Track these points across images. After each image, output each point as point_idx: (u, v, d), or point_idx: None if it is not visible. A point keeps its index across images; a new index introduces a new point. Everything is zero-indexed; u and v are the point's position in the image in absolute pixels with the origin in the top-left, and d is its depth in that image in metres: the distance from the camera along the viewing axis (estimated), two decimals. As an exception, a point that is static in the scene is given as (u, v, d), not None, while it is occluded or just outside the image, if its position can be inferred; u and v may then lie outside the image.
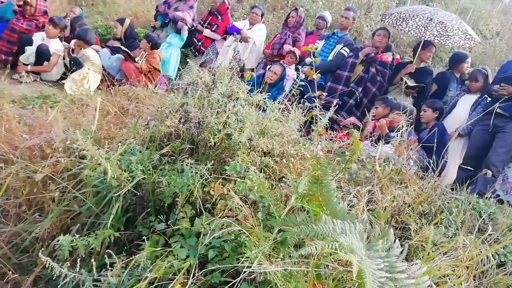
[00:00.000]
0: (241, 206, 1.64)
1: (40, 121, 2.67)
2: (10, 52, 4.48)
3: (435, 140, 2.91)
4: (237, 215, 1.68)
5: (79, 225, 1.87)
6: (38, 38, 4.54)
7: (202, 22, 5.49)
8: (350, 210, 1.85)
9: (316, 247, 1.27)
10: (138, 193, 1.93)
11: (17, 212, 2.02)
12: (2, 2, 5.03)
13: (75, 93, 3.76)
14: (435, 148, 2.88)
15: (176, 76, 5.20)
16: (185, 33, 5.28)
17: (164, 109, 2.35)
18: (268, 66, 4.52)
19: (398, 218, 2.20)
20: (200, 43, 5.39)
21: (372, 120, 3.65)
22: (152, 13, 6.46)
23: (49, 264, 1.37)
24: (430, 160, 2.65)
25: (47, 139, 2.13)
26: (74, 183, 1.99)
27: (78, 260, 1.53)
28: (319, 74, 2.08)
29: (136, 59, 4.62)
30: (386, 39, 4.49)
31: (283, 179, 1.96)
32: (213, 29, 5.37)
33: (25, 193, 2.08)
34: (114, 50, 4.80)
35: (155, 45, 4.79)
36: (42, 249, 1.69)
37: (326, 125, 2.20)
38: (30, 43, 4.47)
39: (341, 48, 4.62)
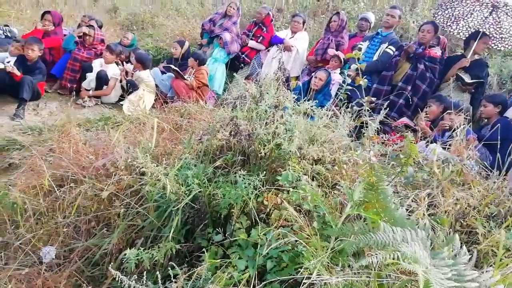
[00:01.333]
0: (295, 216, 1.65)
1: (103, 141, 2.88)
2: (74, 80, 4.88)
3: (499, 137, 2.71)
4: (292, 225, 1.68)
5: (143, 238, 1.98)
6: (97, 64, 4.91)
7: (247, 33, 5.61)
8: (409, 216, 1.77)
9: (377, 257, 1.24)
10: (196, 206, 2.01)
11: (87, 228, 2.18)
12: (65, 35, 5.51)
13: (133, 113, 4.00)
14: (499, 146, 2.69)
15: (224, 90, 5.35)
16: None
17: (215, 124, 2.44)
18: (313, 73, 4.49)
19: (462, 222, 2.07)
20: (244, 55, 5.51)
21: (426, 119, 3.48)
22: (198, 31, 6.72)
23: (119, 277, 1.46)
24: (495, 158, 2.47)
25: (111, 159, 2.28)
26: (136, 198, 2.11)
27: (144, 272, 1.62)
28: (366, 80, 2.04)
29: (185, 76, 4.82)
30: (432, 34, 4.27)
31: (336, 186, 1.93)
32: (258, 40, 5.47)
33: (93, 210, 2.24)
34: (165, 69, 5.06)
35: (201, 62, 4.97)
36: (112, 263, 1.81)
37: (377, 128, 2.14)
38: (90, 70, 4.85)
39: (386, 47, 4.49)
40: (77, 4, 8.58)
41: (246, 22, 7.39)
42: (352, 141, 2.37)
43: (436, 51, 4.21)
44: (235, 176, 2.02)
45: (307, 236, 1.61)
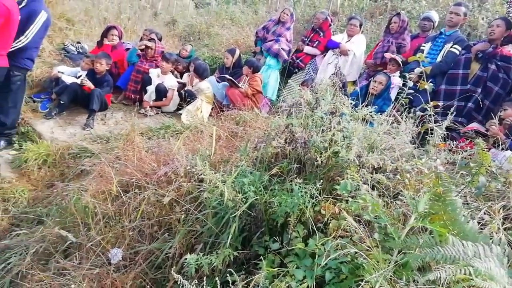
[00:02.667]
0: (355, 226, 1.59)
1: (164, 149, 3.01)
2: (137, 91, 5.19)
3: None
4: (351, 236, 1.63)
5: (202, 244, 2.03)
6: (154, 74, 5.17)
7: (304, 39, 5.59)
8: (481, 230, 1.64)
9: (446, 272, 1.16)
10: (252, 213, 2.02)
11: (151, 232, 2.29)
12: (128, 49, 5.89)
13: (191, 122, 4.15)
14: None
15: (278, 96, 5.37)
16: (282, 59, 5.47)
17: (270, 131, 2.44)
18: (372, 77, 4.35)
19: (545, 237, 1.87)
20: (299, 60, 5.48)
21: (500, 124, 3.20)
22: (252, 39, 6.83)
23: (180, 281, 1.51)
24: None
25: (173, 167, 2.38)
26: (195, 205, 2.18)
27: (204, 277, 1.66)
28: (431, 84, 1.92)
29: (240, 84, 4.91)
30: (502, 29, 3.91)
31: (399, 196, 1.84)
32: (314, 45, 5.42)
33: (155, 215, 2.35)
34: (220, 78, 5.21)
35: (256, 69, 5.04)
36: (173, 267, 1.88)
37: (444, 134, 2.00)
38: (150, 82, 5.12)
39: (451, 47, 4.21)
40: (139, 19, 9.12)
41: (300, 27, 7.37)
42: (415, 148, 2.25)
43: (510, 49, 3.86)
44: (291, 184, 2.01)
45: (368, 248, 1.55)
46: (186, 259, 1.81)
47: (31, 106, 4.62)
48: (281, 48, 5.42)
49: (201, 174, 2.07)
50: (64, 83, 4.64)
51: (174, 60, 5.25)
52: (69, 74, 4.92)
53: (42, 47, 5.20)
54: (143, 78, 5.13)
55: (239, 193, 2.00)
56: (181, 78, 5.56)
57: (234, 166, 2.34)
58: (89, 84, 4.54)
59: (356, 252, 1.49)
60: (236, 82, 4.81)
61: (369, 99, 3.60)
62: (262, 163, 2.32)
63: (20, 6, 3.64)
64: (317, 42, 5.40)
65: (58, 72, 4.87)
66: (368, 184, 1.87)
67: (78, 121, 4.50)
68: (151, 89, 5.00)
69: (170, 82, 5.05)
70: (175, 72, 5.59)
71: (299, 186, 1.91)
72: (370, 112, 2.28)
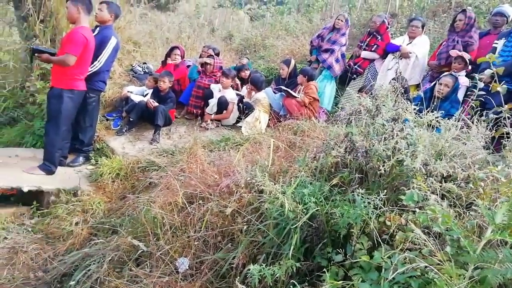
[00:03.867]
0: (424, 239, 1.51)
1: (225, 161, 3.11)
2: (198, 106, 5.43)
3: None
4: (420, 249, 1.55)
5: (264, 254, 2.05)
6: (215, 89, 5.37)
7: (361, 44, 5.47)
8: None
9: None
10: (313, 224, 2.00)
11: (215, 242, 2.36)
12: (189, 66, 6.19)
13: (250, 134, 4.24)
14: None
15: (336, 104, 5.27)
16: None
17: (329, 141, 2.42)
18: (436, 79, 4.11)
19: None
20: (357, 66, 5.35)
21: None
22: (307, 48, 6.82)
23: (245, 291, 1.54)
24: None
25: (234, 179, 2.45)
26: (256, 216, 2.22)
27: (267, 288, 1.68)
28: (505, 86, 1.77)
29: (295, 94, 4.90)
30: None
31: (472, 206, 1.71)
32: (372, 49, 5.28)
33: (219, 226, 2.42)
34: (276, 89, 5.25)
35: (310, 77, 5.01)
36: (237, 277, 1.92)
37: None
38: (211, 95, 5.33)
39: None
40: (198, 36, 9.55)
41: (357, 32, 7.20)
42: (489, 154, 2.08)
43: None
44: (353, 195, 1.96)
45: (439, 262, 1.46)
46: (249, 269, 1.84)
47: (104, 124, 5.03)
48: (335, 60, 5.34)
49: (261, 185, 2.11)
50: (133, 101, 5.00)
51: (233, 76, 5.42)
52: (137, 93, 5.30)
53: (113, 69, 5.66)
54: (204, 93, 5.35)
55: (299, 204, 2.00)
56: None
57: (294, 176, 2.35)
58: (154, 104, 4.83)
59: (426, 267, 1.41)
60: (292, 93, 4.82)
61: (435, 103, 3.39)
62: (321, 173, 2.30)
63: (94, 34, 4.02)
64: (375, 46, 5.23)
65: (127, 92, 5.26)
66: (437, 194, 1.77)
67: (146, 137, 4.81)
68: (212, 102, 5.20)
69: (231, 95, 5.21)
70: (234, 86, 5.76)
71: (362, 196, 1.86)
72: (436, 117, 2.16)
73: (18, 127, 5.20)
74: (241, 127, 4.96)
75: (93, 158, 4.32)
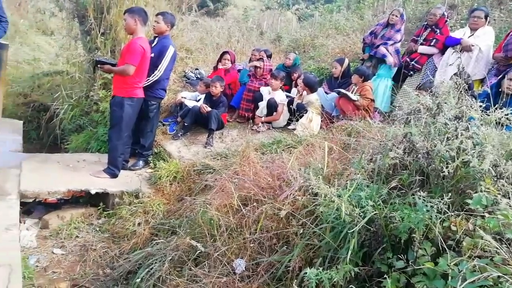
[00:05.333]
0: (495, 246, 1.41)
1: (277, 164, 3.12)
2: (249, 109, 5.51)
3: None
4: (492, 257, 1.44)
5: (320, 258, 2.03)
6: (265, 91, 5.41)
7: (416, 39, 5.20)
8: None
9: None
10: (372, 228, 1.95)
11: (270, 245, 2.38)
12: (239, 70, 6.31)
13: (303, 135, 4.21)
14: None
15: (391, 103, 5.07)
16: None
17: (386, 142, 2.33)
18: (503, 72, 3.80)
19: None
20: (414, 61, 5.08)
21: None
22: (359, 46, 6.63)
23: (303, 295, 1.54)
24: None
25: (287, 182, 2.45)
26: (311, 219, 2.20)
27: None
28: None
29: (348, 93, 4.76)
30: None
31: (552, 211, 1.56)
32: (431, 43, 4.98)
33: (273, 228, 2.44)
34: (330, 90, 5.16)
35: (367, 78, 4.83)
36: (294, 280, 1.92)
37: None
38: (261, 98, 5.38)
39: None
40: (247, 40, 9.68)
41: (413, 27, 6.87)
42: None
43: None
44: (413, 198, 1.88)
45: (514, 272, 1.35)
46: (306, 273, 1.83)
47: (161, 129, 5.27)
48: (390, 52, 5.12)
49: (315, 188, 2.09)
50: (187, 107, 5.20)
51: (282, 77, 5.43)
52: (190, 99, 5.50)
53: (169, 76, 5.93)
54: (254, 96, 5.42)
55: (356, 208, 1.95)
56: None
57: (349, 179, 2.30)
58: (207, 109, 4.96)
59: (499, 276, 1.32)
60: (351, 95, 4.64)
61: (503, 99, 3.13)
62: (379, 175, 2.23)
63: (153, 45, 4.25)
64: (434, 40, 4.92)
65: (182, 97, 5.48)
66: (509, 198, 1.64)
67: (200, 140, 4.97)
68: (262, 104, 5.25)
69: (280, 97, 5.22)
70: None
71: (424, 200, 1.78)
72: (506, 114, 2.00)
73: (84, 134, 5.62)
74: (292, 129, 4.95)
75: (152, 162, 4.55)
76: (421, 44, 5.08)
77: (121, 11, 5.25)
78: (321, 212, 2.08)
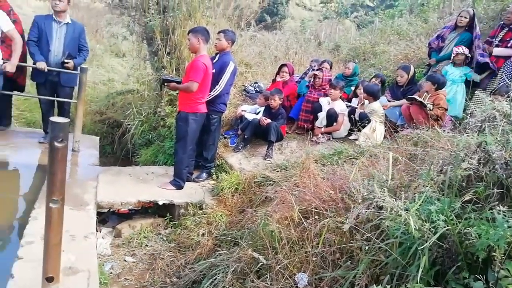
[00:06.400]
0: None
1: (339, 176, 3.05)
2: (308, 120, 5.48)
3: None
4: None
5: (388, 276, 1.93)
6: (324, 102, 5.34)
7: (491, 40, 4.81)
8: None
9: None
10: (444, 245, 1.82)
11: (333, 259, 2.32)
12: (298, 81, 6.31)
13: (366, 146, 4.08)
14: None
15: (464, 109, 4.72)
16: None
17: (458, 152, 2.18)
18: None
19: None
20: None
21: None
22: (424, 51, 6.31)
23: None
24: None
25: (348, 192, 2.39)
26: (377, 234, 2.11)
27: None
28: None
29: (428, 103, 4.47)
30: None
31: None
32: (508, 45, 4.58)
33: (336, 242, 2.37)
34: (393, 97, 4.95)
35: (440, 86, 4.54)
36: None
37: None
38: (320, 108, 5.32)
39: None
40: (305, 51, 9.66)
41: (485, 27, 6.37)
42: None
43: None
44: (491, 213, 1.73)
45: None
46: (372, 290, 1.75)
47: (223, 142, 5.43)
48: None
49: (380, 201, 2.00)
50: (247, 119, 5.31)
51: (341, 87, 5.34)
52: (250, 112, 5.62)
53: (229, 91, 6.12)
54: (313, 107, 5.38)
55: (426, 222, 1.84)
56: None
57: (417, 192, 2.17)
58: (266, 121, 5.01)
59: None
60: (426, 103, 4.36)
61: None
62: (450, 188, 2.08)
63: (214, 61, 4.44)
64: (511, 42, 4.53)
65: (242, 111, 5.62)
66: None
67: (260, 152, 5.03)
68: (322, 115, 5.19)
69: (340, 107, 5.13)
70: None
71: (504, 215, 1.62)
72: None
73: (152, 148, 5.97)
74: (354, 139, 4.82)
75: (214, 173, 4.69)
76: (497, 45, 4.68)
77: (184, 32, 5.58)
78: (387, 226, 1.99)
